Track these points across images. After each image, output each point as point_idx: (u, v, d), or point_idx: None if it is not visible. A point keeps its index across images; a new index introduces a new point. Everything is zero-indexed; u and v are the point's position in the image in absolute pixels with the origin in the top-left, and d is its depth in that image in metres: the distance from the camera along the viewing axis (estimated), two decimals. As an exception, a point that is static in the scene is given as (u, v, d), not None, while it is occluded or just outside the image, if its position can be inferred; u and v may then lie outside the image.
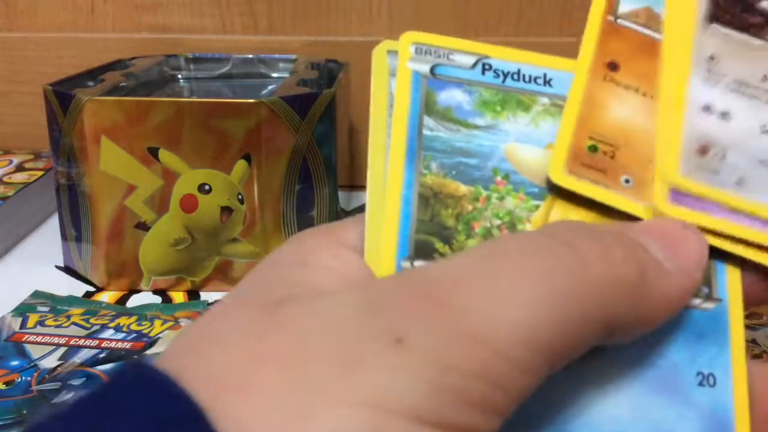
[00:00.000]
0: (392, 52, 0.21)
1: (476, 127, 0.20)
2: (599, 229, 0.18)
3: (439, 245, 0.19)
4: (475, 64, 0.21)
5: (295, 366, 0.15)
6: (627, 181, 0.20)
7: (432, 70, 0.20)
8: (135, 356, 0.38)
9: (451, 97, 0.20)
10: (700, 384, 0.18)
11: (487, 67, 0.21)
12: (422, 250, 0.19)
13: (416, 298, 0.16)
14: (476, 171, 0.20)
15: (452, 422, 0.15)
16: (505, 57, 0.21)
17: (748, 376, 0.19)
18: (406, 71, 0.20)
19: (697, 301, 0.19)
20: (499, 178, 0.20)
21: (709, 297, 0.19)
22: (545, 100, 0.21)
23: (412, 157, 0.19)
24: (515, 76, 0.21)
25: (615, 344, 0.18)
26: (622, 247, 0.17)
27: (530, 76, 0.21)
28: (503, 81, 0.21)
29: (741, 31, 0.21)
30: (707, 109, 0.20)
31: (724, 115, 0.20)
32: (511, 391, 0.15)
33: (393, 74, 0.21)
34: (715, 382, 0.18)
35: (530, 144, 0.20)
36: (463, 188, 0.20)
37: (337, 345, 0.15)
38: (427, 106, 0.20)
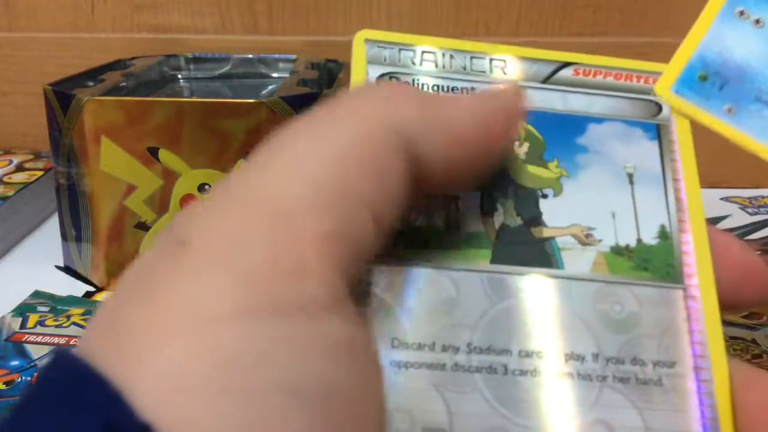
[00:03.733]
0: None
1: None
2: None
3: None
4: None
5: (124, 313, 0.14)
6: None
7: None
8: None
9: None
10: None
11: None
12: None
13: (194, 205, 0.15)
14: None
15: (274, 300, 0.14)
16: None
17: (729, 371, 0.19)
18: None
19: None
20: None
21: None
22: None
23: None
24: None
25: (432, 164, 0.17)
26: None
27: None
28: None
29: None
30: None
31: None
32: (318, 241, 0.14)
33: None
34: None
35: None
36: None
37: (141, 276, 0.15)
38: None
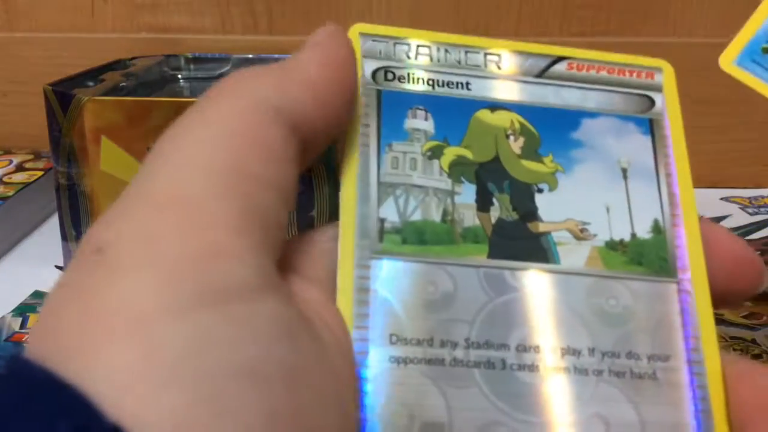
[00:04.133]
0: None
1: None
2: None
3: None
4: None
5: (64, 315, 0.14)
6: None
7: None
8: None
9: None
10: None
11: None
12: None
13: (105, 213, 0.16)
14: None
15: (202, 288, 0.14)
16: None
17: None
18: None
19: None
20: None
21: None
22: None
23: None
24: None
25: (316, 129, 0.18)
26: None
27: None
28: None
29: None
30: None
31: None
32: (230, 224, 0.15)
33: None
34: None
35: None
36: None
37: (69, 284, 0.15)
38: None
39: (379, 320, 0.18)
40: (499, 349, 0.18)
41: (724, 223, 0.56)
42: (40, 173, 0.57)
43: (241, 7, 0.64)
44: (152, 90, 0.55)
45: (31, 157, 0.61)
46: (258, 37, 0.64)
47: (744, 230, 0.55)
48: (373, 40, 0.21)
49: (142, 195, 0.15)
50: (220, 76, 0.61)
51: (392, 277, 0.19)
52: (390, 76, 0.21)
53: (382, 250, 0.19)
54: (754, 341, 0.39)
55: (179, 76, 0.60)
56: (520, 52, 0.22)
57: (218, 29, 0.65)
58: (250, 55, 0.61)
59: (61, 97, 0.44)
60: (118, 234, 0.15)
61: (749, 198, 0.61)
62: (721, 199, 0.61)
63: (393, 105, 0.21)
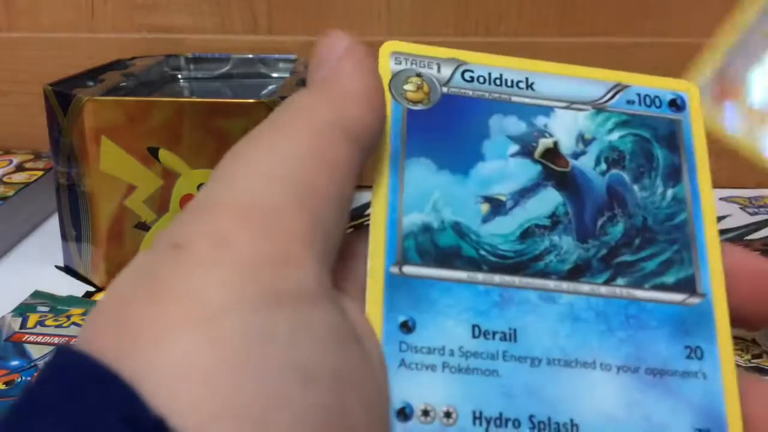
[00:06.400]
0: (395, 54, 0.21)
1: None
2: None
3: None
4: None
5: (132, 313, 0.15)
6: None
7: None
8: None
9: None
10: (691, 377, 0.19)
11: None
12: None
13: (183, 212, 0.17)
14: None
15: (269, 290, 0.15)
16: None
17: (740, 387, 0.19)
18: None
19: (681, 297, 0.20)
20: None
21: (694, 292, 0.20)
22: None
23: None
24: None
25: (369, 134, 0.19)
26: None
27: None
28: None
29: None
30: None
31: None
32: (301, 234, 0.16)
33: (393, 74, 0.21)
34: (705, 377, 0.19)
35: None
36: None
37: (141, 276, 0.16)
38: None
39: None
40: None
41: (724, 223, 0.56)
42: (40, 173, 0.57)
43: (241, 7, 0.64)
44: (152, 90, 0.55)
45: (31, 157, 0.61)
46: (258, 37, 0.64)
47: (744, 230, 0.55)
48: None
49: (221, 201, 0.16)
50: (220, 76, 0.61)
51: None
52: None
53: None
54: (754, 341, 0.40)
55: (179, 75, 0.61)
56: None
57: (218, 29, 0.65)
58: (250, 55, 0.61)
59: (61, 97, 0.44)
60: (197, 233, 0.16)
61: (749, 198, 0.61)
62: (721, 199, 0.61)
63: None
